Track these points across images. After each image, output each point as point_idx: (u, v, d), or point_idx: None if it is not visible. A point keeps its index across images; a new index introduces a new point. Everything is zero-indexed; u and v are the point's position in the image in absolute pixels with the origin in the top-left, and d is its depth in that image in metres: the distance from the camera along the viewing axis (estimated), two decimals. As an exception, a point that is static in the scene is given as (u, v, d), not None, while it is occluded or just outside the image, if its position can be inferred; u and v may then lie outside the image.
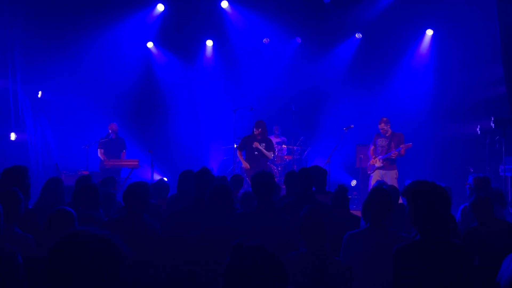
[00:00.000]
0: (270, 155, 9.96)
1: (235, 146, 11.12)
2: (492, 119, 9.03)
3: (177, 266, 3.97)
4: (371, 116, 12.37)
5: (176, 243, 4.14)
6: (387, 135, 9.64)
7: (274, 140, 12.21)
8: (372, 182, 9.54)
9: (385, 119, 9.69)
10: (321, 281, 3.34)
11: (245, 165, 9.95)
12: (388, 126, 9.65)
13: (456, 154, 11.59)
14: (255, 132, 9.89)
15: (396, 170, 9.58)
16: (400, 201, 6.11)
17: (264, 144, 9.90)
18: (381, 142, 9.67)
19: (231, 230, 3.76)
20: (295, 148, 11.94)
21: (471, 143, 11.22)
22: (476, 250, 4.32)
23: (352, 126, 10.91)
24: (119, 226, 3.97)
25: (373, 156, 9.74)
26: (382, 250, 3.64)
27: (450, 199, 3.01)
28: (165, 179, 12.06)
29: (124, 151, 11.19)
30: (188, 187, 5.23)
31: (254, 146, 9.85)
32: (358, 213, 5.19)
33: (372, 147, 9.85)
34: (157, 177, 11.62)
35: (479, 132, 10.06)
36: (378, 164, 9.59)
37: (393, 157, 9.44)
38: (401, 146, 9.38)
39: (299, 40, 13.16)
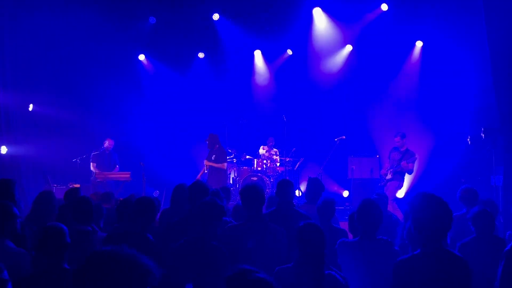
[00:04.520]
0: (222, 166, 10.05)
1: (227, 158, 11.12)
2: (482, 129, 9.00)
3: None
4: (363, 127, 12.45)
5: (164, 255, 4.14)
6: (401, 149, 10.03)
7: (268, 151, 12.24)
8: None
9: (400, 133, 10.13)
10: None
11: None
12: (403, 141, 10.07)
13: (447, 164, 11.62)
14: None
15: (400, 182, 10.02)
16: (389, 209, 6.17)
17: (214, 155, 10.04)
18: (394, 155, 10.12)
19: (210, 245, 3.81)
20: (287, 159, 11.95)
21: (461, 153, 11.27)
22: (471, 263, 4.33)
23: (344, 137, 10.99)
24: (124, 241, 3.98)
25: (385, 169, 10.20)
26: (374, 263, 3.68)
27: (452, 214, 3.01)
28: (157, 192, 12.15)
29: (116, 166, 11.17)
30: (181, 200, 5.22)
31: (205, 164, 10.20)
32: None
33: (388, 161, 10.30)
34: (148, 189, 11.63)
35: (469, 142, 10.10)
36: (389, 176, 10.01)
37: (400, 170, 9.86)
38: (407, 162, 9.81)
39: (290, 52, 13.22)
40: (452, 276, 2.90)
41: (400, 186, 10.18)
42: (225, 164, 10.14)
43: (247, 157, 12.29)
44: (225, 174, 10.32)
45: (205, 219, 3.86)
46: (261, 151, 12.34)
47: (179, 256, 3.74)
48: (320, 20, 12.72)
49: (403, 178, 10.15)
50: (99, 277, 1.79)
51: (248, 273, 1.98)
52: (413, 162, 9.93)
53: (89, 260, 1.84)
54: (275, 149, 12.39)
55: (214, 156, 10.05)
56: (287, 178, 11.04)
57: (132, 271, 1.83)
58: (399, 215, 6.94)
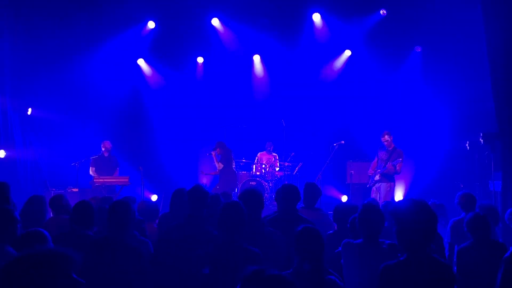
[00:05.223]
0: (218, 165, 10.76)
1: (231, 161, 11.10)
2: (481, 134, 8.87)
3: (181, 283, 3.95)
4: (361, 132, 12.43)
5: (171, 260, 4.13)
6: (389, 148, 9.80)
7: (266, 156, 12.23)
8: (372, 195, 9.72)
9: (386, 132, 9.88)
10: None
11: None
12: (391, 139, 9.81)
13: (446, 169, 11.63)
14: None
15: (391, 183, 9.70)
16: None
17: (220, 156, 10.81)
18: (382, 155, 9.87)
19: (244, 249, 3.72)
20: (286, 164, 11.92)
21: (460, 158, 11.27)
22: (469, 268, 4.35)
23: (343, 142, 10.93)
24: (103, 245, 3.93)
25: (373, 169, 9.89)
26: (376, 266, 3.64)
27: (437, 219, 3.00)
28: (155, 196, 12.12)
29: (117, 168, 11.13)
30: (181, 205, 5.19)
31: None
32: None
33: (375, 159, 10.04)
34: (147, 193, 11.59)
35: (468, 147, 10.09)
36: (377, 178, 9.75)
37: (386, 172, 9.57)
38: (395, 162, 9.53)
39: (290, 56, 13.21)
40: (437, 282, 2.91)
41: (393, 188, 9.83)
42: (221, 164, 10.64)
43: (243, 160, 12.27)
44: (233, 176, 10.82)
45: (234, 222, 3.74)
46: (258, 156, 12.37)
47: (214, 262, 3.63)
48: (319, 25, 12.72)
49: (394, 179, 9.84)
50: (21, 280, 1.98)
51: (262, 272, 2.04)
52: (400, 163, 9.60)
53: (6, 268, 2.02)
54: (274, 154, 12.38)
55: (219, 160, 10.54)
56: (286, 182, 11.06)
57: (51, 263, 2.02)
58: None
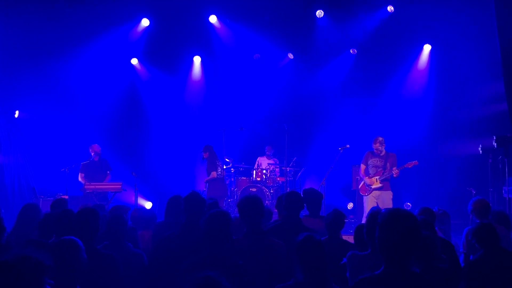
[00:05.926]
0: (212, 175, 10.45)
1: (224, 167, 10.73)
2: (494, 137, 8.79)
3: None
4: (367, 135, 12.04)
5: (166, 272, 4.08)
6: (381, 154, 9.27)
7: (266, 161, 11.89)
8: (368, 204, 9.17)
9: (380, 138, 9.32)
10: None
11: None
12: (383, 147, 9.30)
13: (458, 174, 11.43)
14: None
15: (390, 191, 9.20)
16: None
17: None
18: (375, 162, 9.28)
19: (228, 259, 3.66)
20: (288, 169, 11.52)
21: (473, 162, 11.11)
22: (483, 280, 4.21)
23: (348, 146, 10.52)
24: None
25: (367, 177, 9.28)
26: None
27: (419, 231, 2.83)
28: (150, 203, 11.74)
29: (108, 172, 10.81)
30: (176, 213, 5.11)
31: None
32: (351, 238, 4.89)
33: (363, 167, 9.43)
34: (141, 200, 11.21)
35: (480, 151, 9.80)
36: (376, 185, 9.12)
37: (395, 176, 9.04)
38: (407, 163, 9.08)
39: (291, 56, 12.87)
40: None
41: (392, 195, 9.26)
42: (214, 173, 10.35)
43: (238, 168, 11.87)
44: (221, 182, 10.56)
45: (217, 233, 3.70)
46: (258, 161, 12.02)
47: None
48: (323, 24, 12.39)
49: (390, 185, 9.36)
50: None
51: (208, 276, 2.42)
52: (397, 164, 9.14)
53: None
54: (274, 158, 12.04)
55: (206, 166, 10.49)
56: (289, 189, 10.65)
57: (23, 269, 2.25)
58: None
